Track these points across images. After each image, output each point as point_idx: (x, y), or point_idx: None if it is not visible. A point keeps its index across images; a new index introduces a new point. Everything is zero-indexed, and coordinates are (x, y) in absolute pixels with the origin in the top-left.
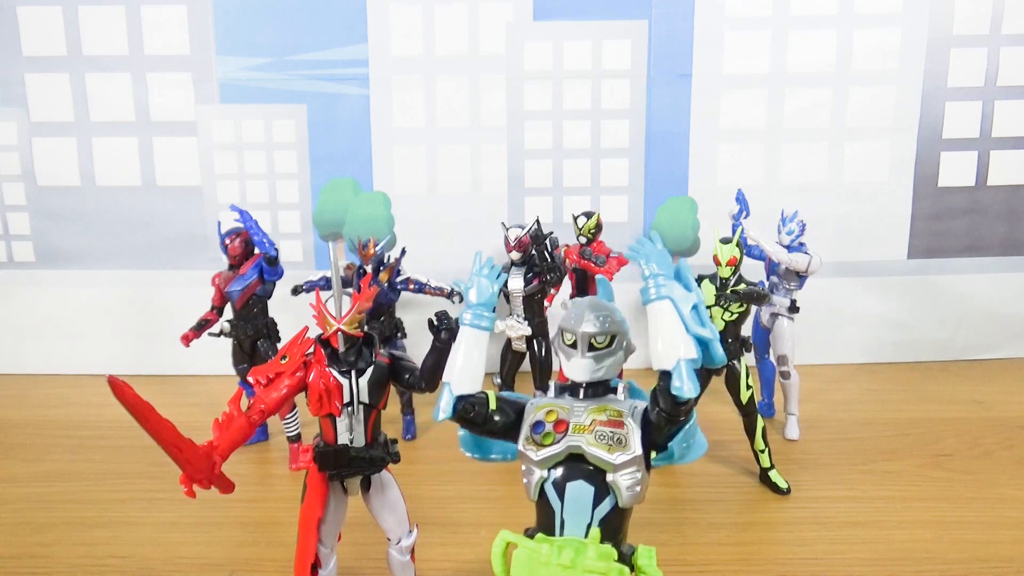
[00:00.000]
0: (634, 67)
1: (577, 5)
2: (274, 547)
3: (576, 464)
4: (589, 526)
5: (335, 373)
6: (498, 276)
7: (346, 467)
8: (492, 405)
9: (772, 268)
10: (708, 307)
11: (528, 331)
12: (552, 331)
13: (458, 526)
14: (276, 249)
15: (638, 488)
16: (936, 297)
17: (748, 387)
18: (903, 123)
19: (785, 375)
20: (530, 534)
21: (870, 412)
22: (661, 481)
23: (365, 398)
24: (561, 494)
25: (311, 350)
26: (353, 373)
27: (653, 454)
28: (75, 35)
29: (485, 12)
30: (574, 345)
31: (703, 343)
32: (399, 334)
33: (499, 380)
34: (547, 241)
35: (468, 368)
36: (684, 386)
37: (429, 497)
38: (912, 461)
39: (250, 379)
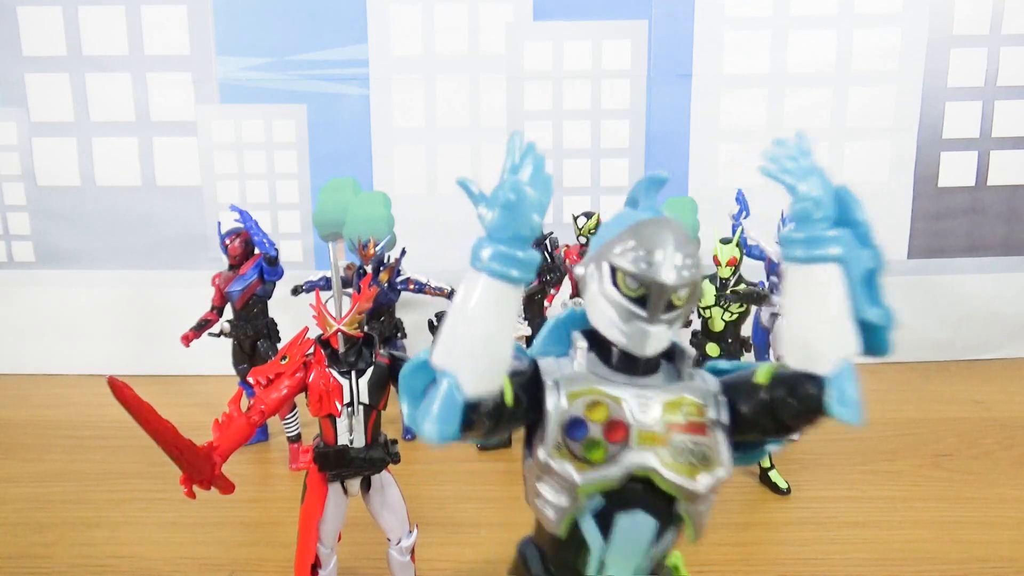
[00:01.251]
0: (634, 67)
1: (577, 5)
2: (274, 547)
3: (636, 487)
4: (638, 567)
5: (335, 374)
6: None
7: (346, 468)
8: (509, 401)
9: (772, 268)
10: (708, 307)
11: (528, 331)
12: None
13: (458, 526)
14: (276, 249)
15: (707, 516)
16: (936, 297)
17: None
18: (903, 123)
19: None
20: (528, 555)
21: (870, 412)
22: None
23: (365, 399)
24: (606, 529)
25: (311, 351)
26: (353, 374)
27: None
28: (75, 35)
29: (485, 12)
30: (642, 301)
31: (871, 328)
32: (399, 334)
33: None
34: (547, 241)
35: (484, 349)
36: (850, 410)
37: (429, 497)
38: (912, 461)
39: (250, 379)
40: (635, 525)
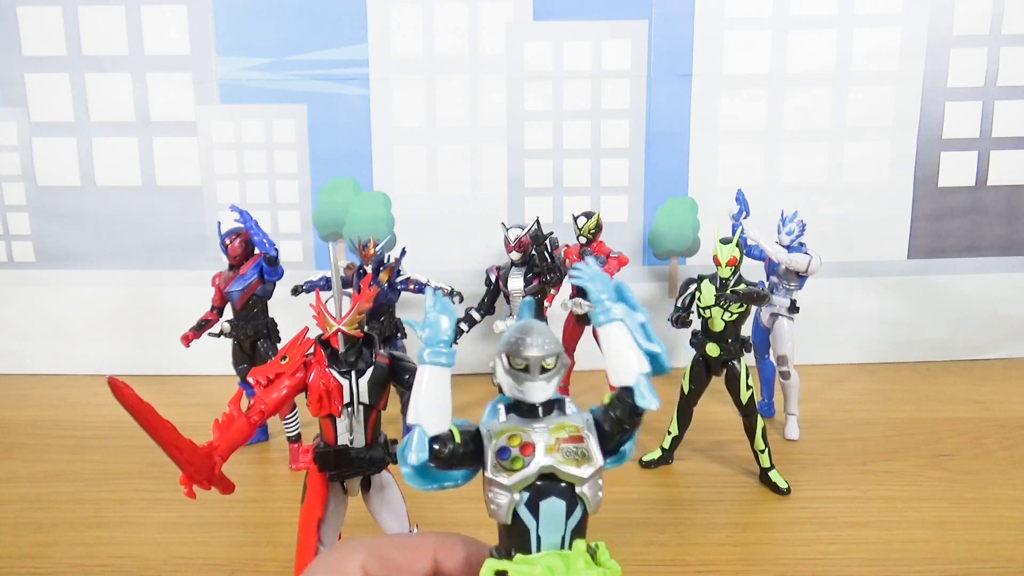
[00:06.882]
0: (634, 67)
1: (577, 5)
2: (274, 547)
3: (546, 482)
4: (563, 537)
5: (335, 374)
6: (452, 298)
7: (346, 467)
8: (457, 438)
9: (772, 268)
10: (708, 307)
11: None
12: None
13: (458, 526)
14: (276, 249)
15: (600, 493)
16: (936, 297)
17: (748, 387)
18: (903, 123)
19: (785, 375)
20: (498, 553)
21: (870, 412)
22: (661, 481)
23: (365, 399)
24: (535, 513)
25: (311, 351)
26: (353, 374)
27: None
28: (75, 35)
29: (485, 12)
30: (526, 370)
31: (652, 356)
32: (399, 334)
33: (497, 381)
34: (547, 241)
35: (435, 407)
36: (648, 400)
37: (429, 497)
38: (912, 461)
39: (250, 380)
40: (552, 507)
